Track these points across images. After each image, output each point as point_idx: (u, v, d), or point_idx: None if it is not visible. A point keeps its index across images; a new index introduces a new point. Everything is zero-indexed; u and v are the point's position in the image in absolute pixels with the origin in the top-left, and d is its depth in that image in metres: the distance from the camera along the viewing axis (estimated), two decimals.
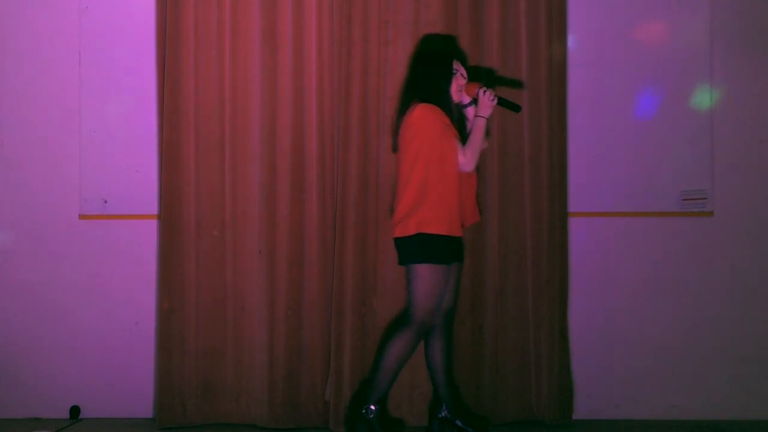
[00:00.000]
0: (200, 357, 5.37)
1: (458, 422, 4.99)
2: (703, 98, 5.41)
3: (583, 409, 5.42)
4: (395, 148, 4.95)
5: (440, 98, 4.89)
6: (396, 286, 5.34)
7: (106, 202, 5.51)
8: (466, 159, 4.82)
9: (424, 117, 4.80)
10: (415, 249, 4.81)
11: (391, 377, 4.90)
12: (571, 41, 5.44)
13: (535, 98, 5.36)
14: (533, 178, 5.37)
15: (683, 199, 5.43)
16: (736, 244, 5.45)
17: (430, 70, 4.93)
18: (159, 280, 5.39)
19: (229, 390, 5.38)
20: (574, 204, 5.43)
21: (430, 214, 4.77)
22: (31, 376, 5.52)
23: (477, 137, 4.86)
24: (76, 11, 5.54)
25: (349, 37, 5.35)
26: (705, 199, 5.44)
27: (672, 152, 5.45)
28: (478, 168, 5.29)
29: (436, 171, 4.78)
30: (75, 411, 5.49)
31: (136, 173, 5.51)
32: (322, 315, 5.35)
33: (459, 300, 5.32)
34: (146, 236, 5.48)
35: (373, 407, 4.90)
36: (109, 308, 5.50)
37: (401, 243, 4.85)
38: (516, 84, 5.34)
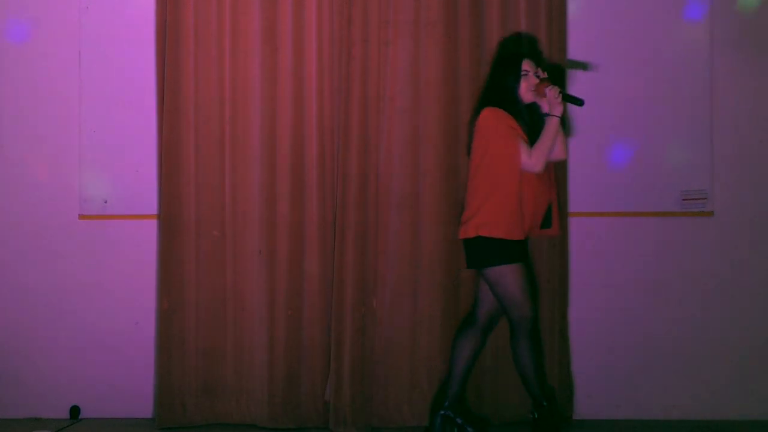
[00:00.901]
0: (200, 357, 5.37)
1: (458, 420, 4.99)
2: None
3: (583, 409, 5.43)
4: (468, 152, 4.96)
5: (508, 100, 4.88)
6: (396, 286, 5.35)
7: (106, 202, 5.51)
8: (532, 161, 4.78)
9: (486, 120, 4.82)
10: (480, 253, 4.82)
11: (536, 380, 4.89)
12: (571, 41, 5.43)
13: None
14: None
15: (683, 199, 5.43)
16: (736, 244, 5.45)
17: (499, 73, 4.94)
18: (159, 280, 5.39)
19: (229, 390, 5.38)
20: (574, 204, 5.43)
21: (489, 217, 4.78)
22: (31, 376, 5.52)
23: (546, 138, 4.80)
24: (76, 11, 5.54)
25: (349, 37, 5.35)
26: (705, 199, 5.43)
27: (672, 152, 5.45)
28: None
29: (496, 174, 4.79)
30: (75, 411, 5.49)
31: (136, 173, 5.51)
32: (322, 315, 5.35)
33: (460, 300, 5.33)
34: (146, 236, 5.48)
35: (544, 403, 4.92)
36: (109, 308, 5.50)
37: (465, 245, 4.88)
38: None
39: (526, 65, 4.90)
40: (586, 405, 5.43)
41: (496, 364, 5.35)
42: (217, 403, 5.37)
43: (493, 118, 4.81)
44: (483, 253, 4.81)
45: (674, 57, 5.45)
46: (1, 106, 5.55)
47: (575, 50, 5.43)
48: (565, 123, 4.88)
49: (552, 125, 4.81)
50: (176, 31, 5.37)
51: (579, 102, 4.85)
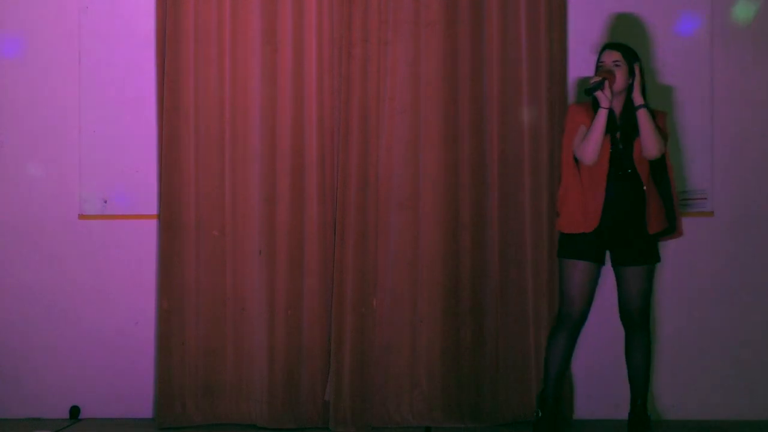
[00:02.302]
0: (200, 357, 5.37)
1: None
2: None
3: (583, 409, 5.42)
4: None
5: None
6: (396, 286, 5.35)
7: (106, 202, 5.51)
8: (579, 153, 4.83)
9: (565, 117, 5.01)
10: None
11: (548, 374, 4.93)
12: (571, 42, 5.43)
13: (536, 99, 5.35)
14: (533, 178, 5.36)
15: (683, 199, 5.42)
16: (736, 244, 5.44)
17: None
18: (159, 280, 5.39)
19: (229, 390, 5.38)
20: None
21: (558, 209, 4.96)
22: (31, 376, 5.52)
23: (591, 129, 4.79)
24: (76, 11, 5.54)
25: (349, 37, 5.35)
26: (705, 199, 5.43)
27: (672, 152, 5.43)
28: (481, 168, 5.31)
29: (561, 169, 4.94)
30: (75, 411, 5.49)
31: (136, 173, 5.51)
32: (322, 315, 5.35)
33: (460, 300, 5.32)
34: (146, 236, 5.48)
35: (549, 401, 4.95)
36: (109, 308, 5.50)
37: None
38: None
39: (605, 56, 4.89)
40: (585, 405, 5.42)
41: (496, 364, 5.35)
42: (217, 403, 5.37)
43: (567, 116, 4.95)
44: (558, 243, 5.01)
45: (674, 56, 5.44)
46: (1, 106, 5.55)
47: (575, 50, 5.42)
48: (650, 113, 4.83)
49: (598, 117, 4.80)
50: (176, 31, 5.37)
51: (586, 92, 4.83)
